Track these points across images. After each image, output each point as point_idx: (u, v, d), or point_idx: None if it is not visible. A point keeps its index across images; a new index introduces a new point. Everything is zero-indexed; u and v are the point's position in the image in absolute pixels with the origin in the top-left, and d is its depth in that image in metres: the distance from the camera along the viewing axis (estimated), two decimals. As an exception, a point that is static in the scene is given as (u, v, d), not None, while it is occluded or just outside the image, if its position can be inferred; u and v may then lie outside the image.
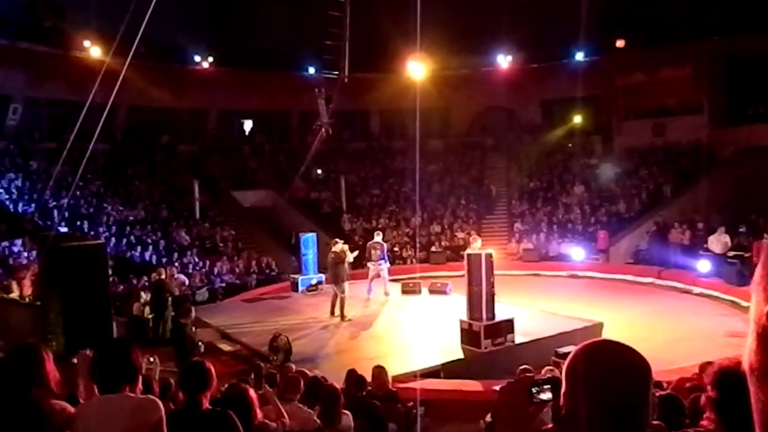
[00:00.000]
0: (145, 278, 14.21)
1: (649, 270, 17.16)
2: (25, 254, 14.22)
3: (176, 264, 16.90)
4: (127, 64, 9.05)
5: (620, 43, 22.75)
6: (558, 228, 20.64)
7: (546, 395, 2.02)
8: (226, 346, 11.09)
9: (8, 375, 2.64)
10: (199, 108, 25.06)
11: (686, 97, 22.47)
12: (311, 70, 24.18)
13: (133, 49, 8.79)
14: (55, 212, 16.97)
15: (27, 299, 11.03)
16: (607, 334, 10.45)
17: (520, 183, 24.00)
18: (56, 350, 7.85)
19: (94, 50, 19.41)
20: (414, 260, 19.74)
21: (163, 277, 13.04)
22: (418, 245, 19.53)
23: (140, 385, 2.79)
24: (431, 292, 14.41)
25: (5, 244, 14.38)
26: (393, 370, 7.66)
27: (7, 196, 17.45)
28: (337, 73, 18.53)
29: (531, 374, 4.94)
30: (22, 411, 2.50)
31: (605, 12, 21.77)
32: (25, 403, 2.53)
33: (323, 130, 20.02)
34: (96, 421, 2.57)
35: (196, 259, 17.66)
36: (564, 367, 1.27)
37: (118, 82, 9.37)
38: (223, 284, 16.83)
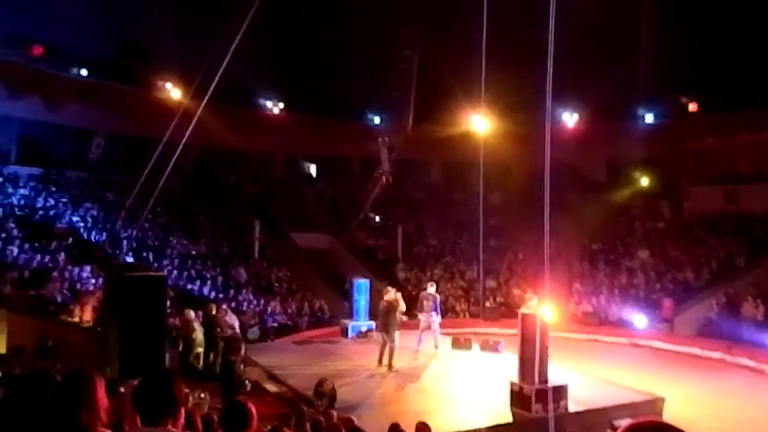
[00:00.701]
0: (200, 312, 14.51)
1: (718, 344, 16.12)
2: (93, 281, 14.86)
3: (232, 301, 17.25)
4: (202, 106, 9.54)
5: (693, 107, 22.20)
6: (620, 292, 19.84)
7: None
8: (272, 387, 11.08)
9: (60, 397, 2.72)
10: (266, 150, 25.98)
11: (762, 164, 21.52)
12: (376, 119, 24.74)
13: (209, 92, 9.31)
14: (124, 242, 17.76)
15: (87, 324, 11.45)
16: (669, 410, 9.82)
17: (581, 242, 23.37)
18: (111, 376, 8.08)
19: (174, 92, 20.63)
20: (467, 314, 19.39)
21: (215, 312, 13.28)
22: (472, 299, 19.18)
23: (182, 419, 2.81)
24: (483, 348, 14.04)
25: (75, 269, 15.08)
26: (438, 427, 7.44)
27: (82, 224, 18.42)
28: (401, 123, 18.88)
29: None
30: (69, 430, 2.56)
31: (677, 73, 21.39)
32: (74, 427, 2.59)
33: (384, 178, 20.30)
34: None
35: (251, 297, 17.96)
36: None
37: (193, 123, 9.91)
38: (275, 324, 17.00)
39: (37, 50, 19.44)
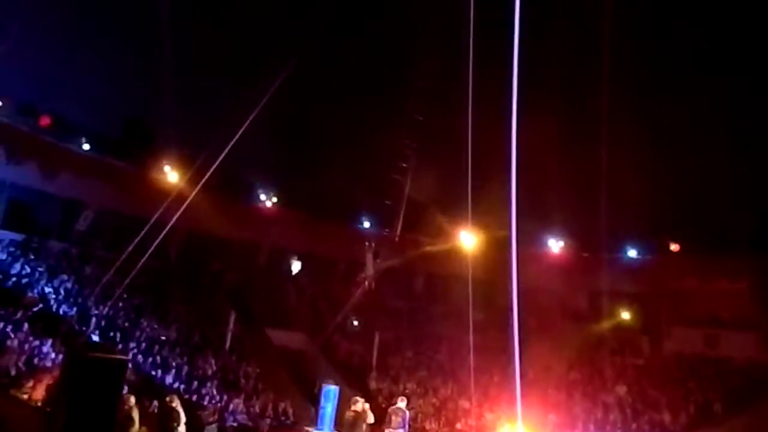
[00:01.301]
0: (156, 402, 13.79)
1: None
2: (53, 356, 14.25)
3: (194, 394, 16.51)
4: (195, 190, 9.68)
5: (675, 247, 22.74)
6: (595, 428, 19.18)
7: None
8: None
9: None
10: (253, 241, 25.94)
11: (742, 312, 21.70)
12: (366, 224, 25.04)
13: (204, 179, 9.49)
14: (93, 319, 17.24)
15: (36, 402, 10.85)
16: None
17: (559, 371, 22.90)
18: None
19: (171, 175, 20.95)
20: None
21: (175, 405, 12.64)
22: (443, 419, 18.44)
23: None
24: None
25: (36, 343, 14.51)
26: None
27: (54, 296, 17.95)
28: (389, 230, 19.12)
29: None
30: None
31: (663, 213, 22.09)
32: None
33: (367, 283, 20.21)
34: None
35: (214, 392, 17.20)
36: None
37: (183, 206, 10.00)
38: (235, 423, 16.15)
39: (45, 121, 19.96)
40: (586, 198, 22.30)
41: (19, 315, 15.33)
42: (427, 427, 19.23)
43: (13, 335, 14.20)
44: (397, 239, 18.95)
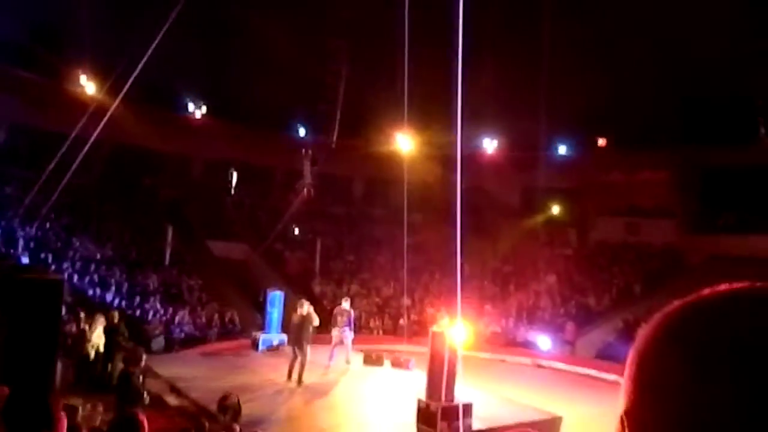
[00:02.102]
0: (102, 318, 13.70)
1: (615, 367, 17.04)
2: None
3: (137, 309, 16.47)
4: (117, 102, 9.12)
5: (601, 142, 23.63)
6: (527, 315, 20.62)
7: None
8: (173, 400, 10.62)
9: None
10: (186, 154, 25.11)
11: (661, 201, 23.17)
12: (301, 131, 24.57)
13: (125, 89, 8.91)
14: (21, 241, 16.57)
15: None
16: (567, 429, 10.24)
17: (494, 265, 24.13)
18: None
19: (88, 86, 19.57)
20: (381, 331, 19.47)
21: (117, 320, 12.64)
22: (386, 316, 19.29)
23: None
24: (393, 365, 14.11)
25: (-39, 267, 13.87)
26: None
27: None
28: (325, 136, 18.86)
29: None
30: None
31: (591, 109, 22.70)
32: None
33: (306, 190, 20.15)
34: None
35: (158, 306, 17.19)
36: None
37: (105, 118, 9.43)
38: (182, 335, 16.34)
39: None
40: (519, 97, 22.56)
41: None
42: (371, 324, 20.10)
43: (-66, 262, 13.51)
44: (333, 145, 18.75)
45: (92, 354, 12.21)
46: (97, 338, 12.58)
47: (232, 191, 26.08)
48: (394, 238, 21.28)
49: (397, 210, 19.22)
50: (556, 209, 25.42)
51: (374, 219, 26.25)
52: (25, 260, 15.73)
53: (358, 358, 14.16)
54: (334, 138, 18.75)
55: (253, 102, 23.46)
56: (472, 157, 25.20)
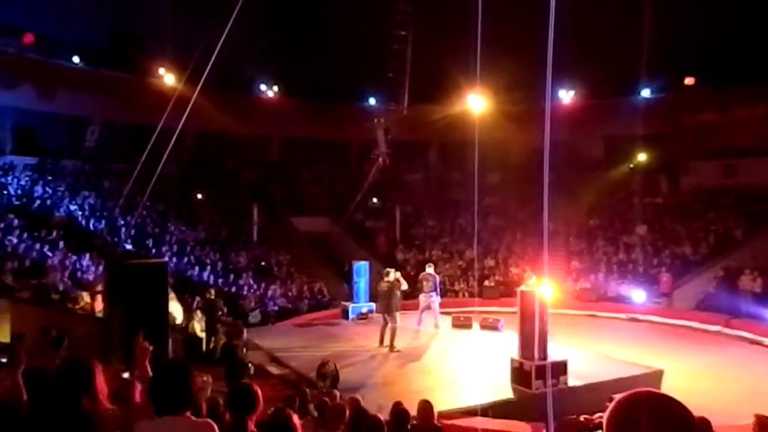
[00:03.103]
0: (198, 298, 14.57)
1: (717, 318, 16.27)
2: (93, 269, 14.90)
3: (232, 286, 17.35)
4: (197, 91, 9.47)
5: (689, 81, 22.11)
6: (618, 268, 19.96)
7: None
8: (274, 370, 11.18)
9: (61, 385, 2.75)
10: (263, 135, 25.85)
11: (760, 138, 21.49)
12: (372, 101, 24.63)
13: (203, 78, 9.22)
14: (123, 230, 17.77)
15: (99, 313, 11.49)
16: (668, 383, 9.94)
17: (579, 220, 23.42)
18: (115, 364, 8.13)
19: (167, 77, 20.46)
20: (466, 294, 19.49)
21: (213, 297, 13.36)
22: (471, 279, 19.24)
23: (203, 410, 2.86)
24: (483, 327, 14.13)
25: (74, 258, 15.11)
26: (440, 405, 7.52)
27: (80, 213, 18.41)
28: (396, 104, 18.79)
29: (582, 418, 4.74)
30: (72, 421, 2.59)
31: (674, 49, 21.25)
32: (76, 414, 2.62)
33: (381, 159, 20.28)
34: None
35: (251, 282, 18.03)
36: (606, 415, 1.21)
37: (188, 108, 9.82)
38: (276, 308, 17.08)
39: (28, 38, 19.25)
40: (595, 43, 21.40)
41: (53, 235, 15.82)
42: (457, 287, 20.16)
43: (51, 254, 14.77)
44: (405, 112, 18.66)
45: (197, 330, 13.03)
46: (199, 315, 13.41)
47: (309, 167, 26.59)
48: (472, 201, 21.06)
49: (474, 172, 18.94)
50: (643, 157, 24.19)
51: (452, 183, 26.07)
52: (129, 247, 16.87)
53: (446, 322, 14.30)
54: (405, 105, 18.64)
55: (323, 77, 23.71)
56: (550, 110, 24.38)
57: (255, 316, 16.07)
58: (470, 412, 8.52)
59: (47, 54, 19.83)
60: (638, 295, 18.19)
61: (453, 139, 24.93)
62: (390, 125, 19.54)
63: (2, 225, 15.29)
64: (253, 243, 20.86)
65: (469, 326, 14.24)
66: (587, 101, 24.00)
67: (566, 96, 24.21)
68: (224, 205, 22.59)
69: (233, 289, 17.37)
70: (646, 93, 22.92)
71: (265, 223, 21.88)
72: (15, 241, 14.75)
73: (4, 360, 4.88)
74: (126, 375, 2.99)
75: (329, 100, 24.34)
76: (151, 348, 3.06)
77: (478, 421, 8.13)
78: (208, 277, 17.55)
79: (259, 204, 22.01)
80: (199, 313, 13.58)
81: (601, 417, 4.98)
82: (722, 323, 15.87)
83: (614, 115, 23.71)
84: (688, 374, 11.06)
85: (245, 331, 9.42)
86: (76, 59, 20.40)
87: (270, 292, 17.70)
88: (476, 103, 20.62)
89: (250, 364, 8.84)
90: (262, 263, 19.67)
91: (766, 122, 21.03)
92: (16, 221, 15.78)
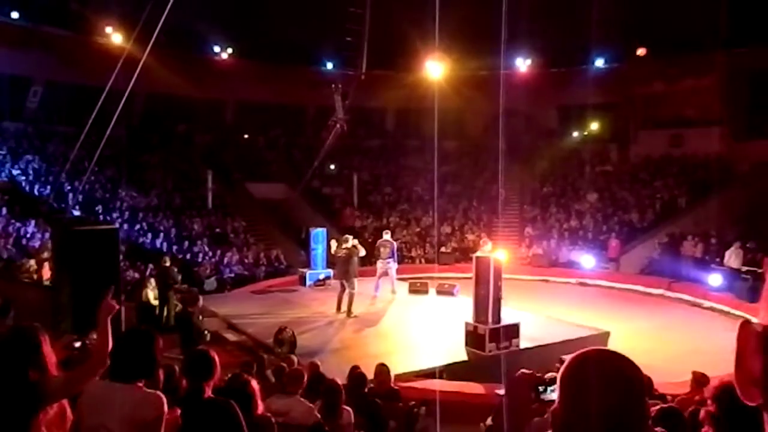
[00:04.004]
0: (151, 266, 14.31)
1: (660, 281, 17.02)
2: (39, 235, 14.40)
3: (186, 253, 17.07)
4: (147, 51, 9.13)
5: (641, 52, 22.55)
6: (569, 235, 20.54)
7: (552, 395, 2.02)
8: (231, 336, 11.15)
9: (5, 357, 2.66)
10: (217, 99, 25.16)
11: (706, 109, 22.21)
12: (329, 66, 24.24)
13: (154, 37, 8.89)
14: (70, 196, 17.17)
15: (47, 282, 11.15)
16: (614, 343, 10.39)
17: (532, 187, 23.90)
18: (65, 330, 7.96)
19: (115, 36, 19.55)
20: (423, 260, 19.75)
21: (168, 264, 13.15)
22: (427, 245, 19.47)
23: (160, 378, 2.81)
24: (438, 292, 14.39)
25: (18, 224, 14.55)
26: (396, 368, 7.67)
27: (23, 177, 17.67)
28: (354, 69, 18.54)
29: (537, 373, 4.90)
30: (19, 391, 2.52)
31: (627, 20, 21.57)
32: (23, 384, 2.55)
33: (338, 125, 20.07)
34: (99, 407, 2.60)
35: (206, 249, 17.78)
36: (559, 374, 1.26)
37: (138, 69, 9.49)
38: (232, 275, 16.93)
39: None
40: (551, 12, 21.55)
41: (-5, 201, 15.17)
42: (414, 254, 20.39)
43: (-6, 221, 14.19)
44: (363, 77, 18.43)
45: (151, 297, 12.82)
46: (153, 284, 13.19)
47: (264, 131, 26.11)
48: (430, 168, 21.18)
49: (432, 139, 19.04)
50: (595, 126, 24.74)
51: (409, 150, 26.09)
52: (77, 213, 16.34)
53: (403, 288, 14.49)
54: (363, 70, 18.40)
55: (279, 39, 23.12)
56: (506, 78, 24.49)
57: (211, 284, 15.91)
58: (426, 375, 8.75)
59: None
60: (588, 260, 18.81)
61: (410, 105, 24.87)
62: (347, 91, 19.29)
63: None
64: (207, 209, 20.48)
65: (425, 292, 14.48)
66: (543, 70, 24.25)
67: (523, 64, 24.37)
68: (177, 170, 22.03)
69: (188, 256, 17.11)
70: (599, 63, 23.29)
71: (219, 189, 21.48)
72: (-47, 206, 14.09)
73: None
74: (78, 344, 2.89)
75: (285, 63, 23.79)
76: (117, 308, 2.98)
77: (434, 384, 8.35)
78: (162, 244, 17.21)
79: (214, 169, 21.54)
80: (152, 281, 13.36)
81: (551, 374, 5.17)
82: (665, 287, 16.64)
83: (568, 85, 24.03)
84: (633, 335, 11.58)
85: (201, 298, 9.33)
86: (14, 15, 19.22)
87: (226, 259, 17.50)
88: (435, 69, 20.56)
89: (206, 331, 8.79)
90: (217, 230, 19.39)
91: (711, 93, 21.74)
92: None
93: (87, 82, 17.95)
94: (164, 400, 2.70)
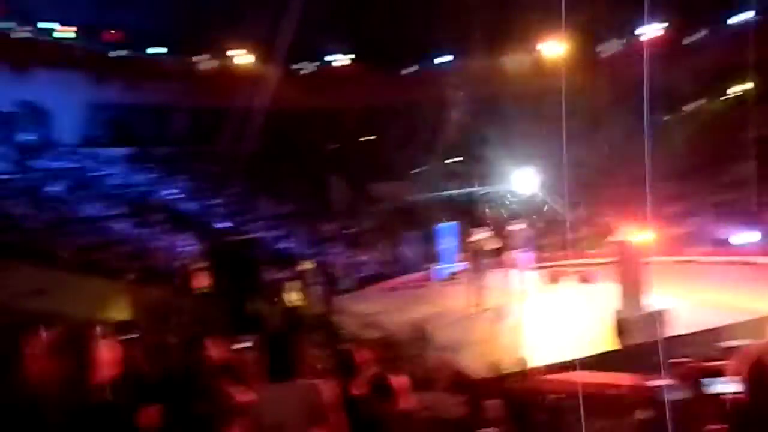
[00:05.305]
0: (291, 269, 15.02)
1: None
2: (191, 248, 15.74)
3: (322, 255, 17.85)
4: (270, 69, 9.64)
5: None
6: (721, 209, 18.68)
7: (719, 388, 1.82)
8: (367, 334, 11.40)
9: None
10: (338, 106, 25.83)
11: None
12: (444, 59, 24.06)
13: (277, 56, 9.46)
14: (215, 209, 18.66)
15: (200, 290, 12.20)
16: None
17: (676, 162, 21.97)
18: (223, 335, 8.61)
19: (243, 58, 20.85)
20: (558, 247, 18.98)
21: (306, 267, 13.73)
22: (561, 231, 18.62)
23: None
24: (577, 280, 13.76)
25: (174, 239, 16.03)
26: (537, 361, 7.43)
27: (174, 196, 19.42)
28: (472, 58, 18.19)
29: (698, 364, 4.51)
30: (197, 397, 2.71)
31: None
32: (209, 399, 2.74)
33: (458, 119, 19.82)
34: (272, 406, 2.76)
35: (340, 250, 18.46)
36: (740, 368, 1.11)
37: (271, 87, 10.10)
38: (365, 273, 17.43)
39: (111, 36, 20.21)
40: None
41: (154, 218, 16.84)
42: (546, 241, 19.61)
43: (153, 237, 15.77)
44: (480, 66, 18.07)
45: (292, 299, 13.49)
46: (292, 285, 13.86)
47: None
48: (554, 150, 20.24)
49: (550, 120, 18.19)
50: (745, 87, 22.25)
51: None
52: (222, 225, 17.68)
53: (539, 277, 14.00)
54: (481, 58, 18.04)
55: (392, 40, 23.37)
56: (637, 47, 22.76)
57: (344, 283, 16.46)
58: (570, 367, 8.37)
59: (131, 48, 20.81)
60: (742, 237, 16.99)
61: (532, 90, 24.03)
62: (464, 82, 19.04)
63: (109, 213, 16.44)
64: (337, 212, 21.26)
65: (562, 280, 13.90)
66: (676, 34, 22.26)
67: (656, 30, 22.52)
68: (307, 177, 23.06)
69: (323, 258, 17.84)
70: (748, 15, 20.91)
71: (347, 192, 22.17)
72: (120, 226, 15.84)
73: (128, 336, 5.26)
74: (239, 347, 3.12)
75: (400, 63, 23.95)
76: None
77: (578, 375, 7.97)
78: (299, 248, 18.12)
79: (340, 174, 22.29)
80: (293, 284, 14.05)
81: (715, 365, 4.71)
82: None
83: (708, 46, 21.89)
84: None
85: (337, 297, 9.67)
86: (156, 50, 21.24)
87: (358, 259, 18.05)
88: (556, 48, 19.68)
89: (344, 330, 9.09)
90: (348, 231, 20.06)
91: None
92: (119, 209, 16.91)
93: (222, 104, 19.43)
94: (325, 387, 2.82)
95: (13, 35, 17.58)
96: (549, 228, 20.17)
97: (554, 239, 19.67)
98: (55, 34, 18.53)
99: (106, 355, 2.72)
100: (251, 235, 11.51)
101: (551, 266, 15.10)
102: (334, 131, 26.17)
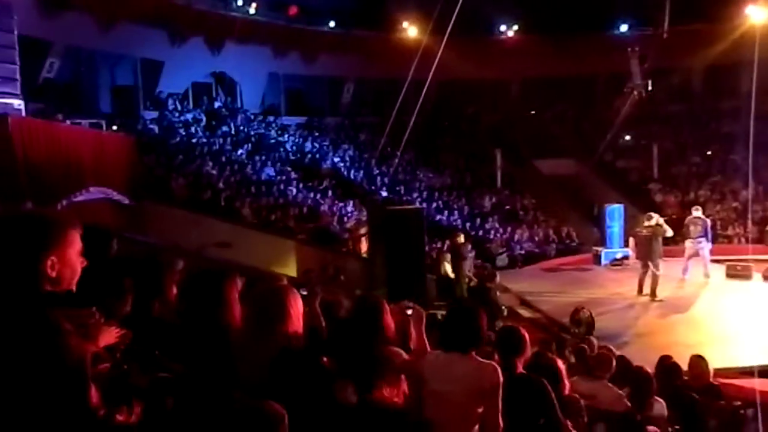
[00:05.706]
0: (447, 241, 15.18)
1: None
2: (355, 214, 16.58)
3: (479, 230, 17.78)
4: (444, 41, 9.70)
5: None
6: None
7: None
8: (525, 313, 11.26)
9: (357, 325, 3.06)
10: (502, 77, 25.30)
11: None
12: (623, 28, 22.38)
13: (450, 27, 9.38)
14: (378, 179, 19.36)
15: (363, 254, 12.92)
16: None
17: None
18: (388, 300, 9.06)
19: (411, 30, 21.19)
20: (743, 239, 17.06)
21: (462, 240, 13.76)
22: (749, 222, 16.70)
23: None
24: (765, 278, 12.30)
25: (341, 205, 16.97)
26: (714, 362, 6.80)
27: (342, 164, 20.47)
28: (654, 27, 16.77)
29: None
30: (367, 363, 2.83)
31: None
32: (370, 356, 2.87)
33: (635, 93, 18.44)
34: (441, 374, 2.86)
35: (497, 225, 18.24)
36: None
37: (436, 60, 10.15)
38: (523, 252, 17.08)
39: (293, 11, 21.55)
40: None
41: (323, 185, 17.95)
42: (730, 232, 17.77)
43: (323, 202, 16.83)
44: (665, 35, 16.50)
45: (448, 270, 13.69)
46: (449, 257, 14.03)
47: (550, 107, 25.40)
48: (749, 133, 18.02)
49: (750, 99, 16.15)
50: None
51: (721, 113, 22.65)
52: (384, 194, 18.32)
53: (719, 271, 12.76)
54: (666, 27, 16.45)
55: (566, 8, 22.16)
56: None
57: (502, 260, 16.29)
58: (750, 373, 7.58)
59: (308, 22, 22.06)
60: None
61: (722, 62, 21.47)
62: (647, 52, 17.50)
63: (284, 177, 17.81)
64: (497, 187, 20.97)
65: (747, 276, 12.52)
66: None
67: None
68: (467, 150, 22.98)
69: (480, 232, 17.78)
70: None
71: (508, 167, 21.74)
72: (294, 191, 17.10)
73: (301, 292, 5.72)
74: (409, 311, 3.22)
75: (572, 30, 22.61)
76: (424, 314, 3.28)
77: (761, 383, 7.19)
78: (456, 221, 18.23)
79: (502, 148, 21.87)
80: (448, 256, 14.23)
81: None
82: None
83: None
84: None
85: (497, 274, 9.63)
86: (332, 24, 22.28)
87: (516, 236, 17.73)
88: (757, 15, 17.39)
89: (503, 307, 9.06)
90: (507, 207, 19.73)
91: None
92: (293, 174, 18.24)
93: (389, 76, 19.92)
94: (499, 370, 2.86)
95: (210, 11, 19.39)
96: (737, 217, 18.23)
97: (742, 230, 17.76)
98: (244, 10, 20.12)
99: (297, 308, 2.85)
100: (415, 207, 11.80)
101: (737, 259, 13.61)
102: (499, 103, 25.68)
